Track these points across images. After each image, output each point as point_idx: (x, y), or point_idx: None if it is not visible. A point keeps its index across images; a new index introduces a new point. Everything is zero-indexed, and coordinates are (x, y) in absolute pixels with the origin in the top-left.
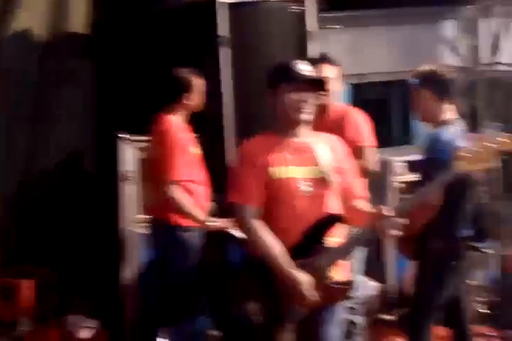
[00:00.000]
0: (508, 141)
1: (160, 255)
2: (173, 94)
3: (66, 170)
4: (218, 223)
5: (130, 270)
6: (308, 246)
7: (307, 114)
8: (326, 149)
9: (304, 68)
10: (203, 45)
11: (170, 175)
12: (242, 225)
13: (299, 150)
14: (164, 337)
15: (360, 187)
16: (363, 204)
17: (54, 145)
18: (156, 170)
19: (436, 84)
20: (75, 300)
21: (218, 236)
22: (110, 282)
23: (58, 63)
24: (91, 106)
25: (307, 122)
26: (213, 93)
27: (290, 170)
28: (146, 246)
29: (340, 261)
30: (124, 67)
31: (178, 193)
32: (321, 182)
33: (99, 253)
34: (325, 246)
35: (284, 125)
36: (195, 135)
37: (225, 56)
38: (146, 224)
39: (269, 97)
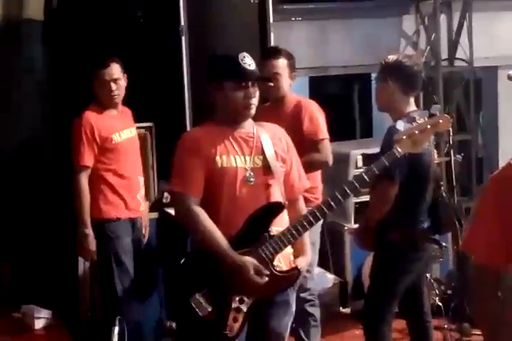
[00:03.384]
0: (442, 121)
1: None
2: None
3: (23, 158)
4: (90, 235)
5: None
6: (251, 235)
7: (254, 109)
8: (269, 139)
9: (249, 63)
10: (162, 34)
11: (75, 160)
12: (183, 213)
13: (243, 139)
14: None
15: (303, 177)
16: (298, 207)
17: (11, 133)
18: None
19: (402, 76)
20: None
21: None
22: (65, 272)
23: (14, 50)
24: (48, 94)
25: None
26: (175, 82)
27: (233, 159)
28: None
29: (284, 249)
30: (81, 54)
31: (81, 181)
32: (265, 171)
33: (55, 242)
34: (269, 234)
35: (229, 117)
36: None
37: (185, 46)
38: None
39: (211, 89)
